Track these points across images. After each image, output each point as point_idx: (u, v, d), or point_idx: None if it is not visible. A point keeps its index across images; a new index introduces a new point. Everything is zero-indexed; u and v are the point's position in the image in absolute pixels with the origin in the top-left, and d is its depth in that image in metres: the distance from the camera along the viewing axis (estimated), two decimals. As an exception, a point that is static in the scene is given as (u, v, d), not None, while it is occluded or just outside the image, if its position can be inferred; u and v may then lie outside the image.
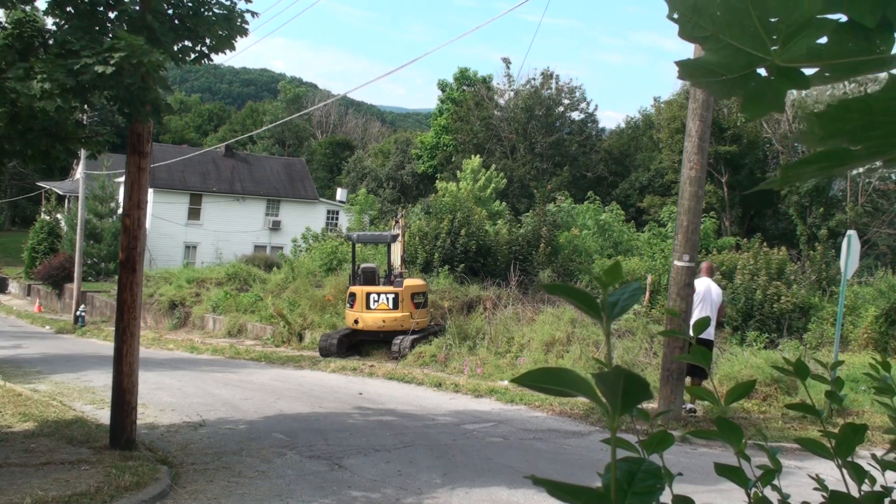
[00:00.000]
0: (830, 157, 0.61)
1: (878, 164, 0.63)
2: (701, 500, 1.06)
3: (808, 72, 0.72)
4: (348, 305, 15.61)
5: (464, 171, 31.24)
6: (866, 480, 1.14)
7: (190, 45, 8.02)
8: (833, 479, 1.21)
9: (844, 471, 1.15)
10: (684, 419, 9.95)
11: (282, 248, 36.48)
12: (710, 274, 10.74)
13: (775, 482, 1.21)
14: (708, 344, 9.86)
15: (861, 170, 29.90)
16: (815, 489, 1.19)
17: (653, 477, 0.76)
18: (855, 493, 1.09)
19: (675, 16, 0.74)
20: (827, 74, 0.70)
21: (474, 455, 8.04)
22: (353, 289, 15.56)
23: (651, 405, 9.50)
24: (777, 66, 0.70)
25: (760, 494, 1.15)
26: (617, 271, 0.74)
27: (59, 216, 38.13)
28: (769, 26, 0.68)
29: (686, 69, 0.77)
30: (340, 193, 42.01)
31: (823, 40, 0.67)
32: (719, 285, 11.51)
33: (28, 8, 7.50)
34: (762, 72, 0.74)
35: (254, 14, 8.15)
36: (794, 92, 31.63)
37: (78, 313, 25.80)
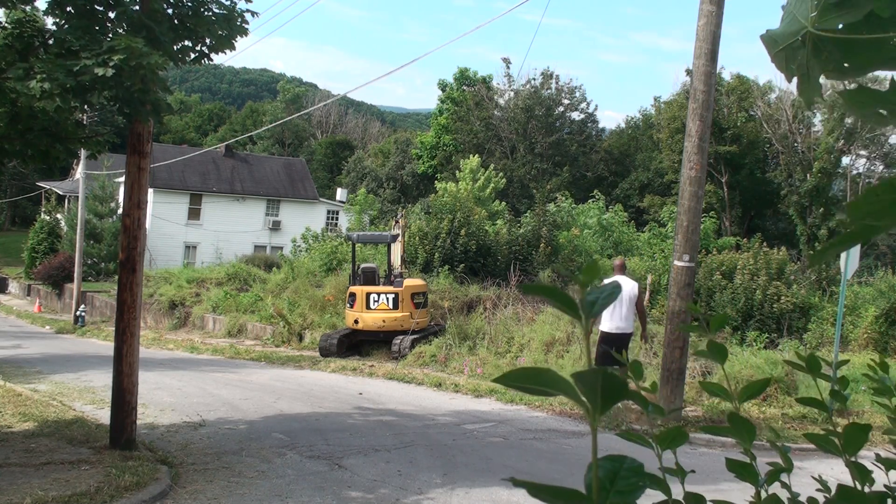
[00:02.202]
0: (856, 236, 0.69)
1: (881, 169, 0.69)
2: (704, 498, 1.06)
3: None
4: (348, 305, 15.61)
5: (462, 171, 31.24)
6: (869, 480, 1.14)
7: (190, 45, 8.02)
8: (834, 480, 1.21)
9: (838, 473, 1.15)
10: (686, 419, 9.95)
11: (282, 248, 36.48)
12: (622, 271, 10.87)
13: (785, 481, 1.21)
14: (624, 338, 10.21)
15: (862, 165, 29.99)
16: (818, 490, 1.19)
17: (635, 475, 0.77)
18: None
19: (783, 3, 0.85)
20: (846, 65, 0.75)
21: (474, 455, 8.04)
22: (353, 289, 15.56)
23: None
24: (811, 35, 0.78)
25: (767, 493, 1.15)
26: (595, 270, 0.75)
27: (59, 216, 38.13)
28: None
29: (763, 41, 0.87)
30: (340, 193, 42.01)
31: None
32: (635, 279, 11.94)
33: (28, 8, 7.50)
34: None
35: (254, 14, 8.14)
36: (796, 92, 31.71)
37: (78, 313, 25.81)
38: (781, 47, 0.83)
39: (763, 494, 1.14)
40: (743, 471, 1.11)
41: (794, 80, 0.85)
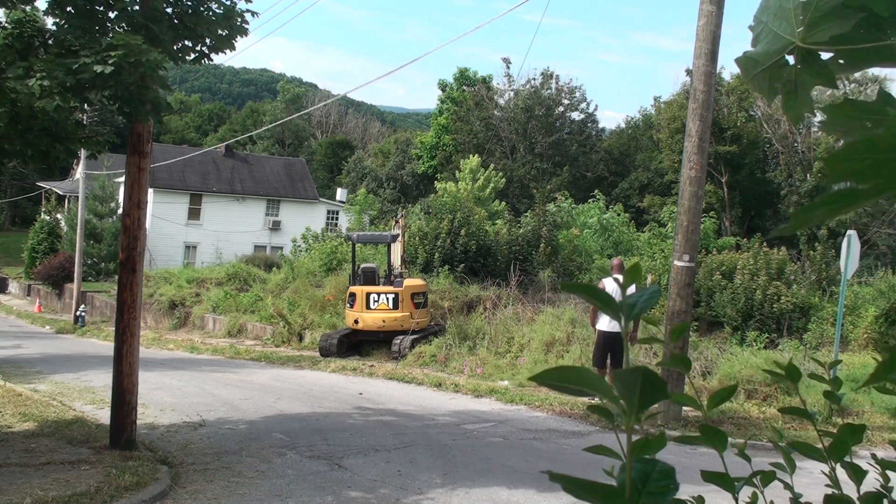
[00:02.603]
0: (840, 199, 0.64)
1: (887, 202, 0.66)
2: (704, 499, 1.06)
3: (825, 56, 0.78)
4: (348, 305, 15.60)
5: (462, 171, 31.23)
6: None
7: (190, 44, 8.02)
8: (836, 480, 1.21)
9: (838, 473, 1.15)
10: (685, 419, 9.95)
11: (282, 248, 36.48)
12: (621, 271, 10.96)
13: (788, 481, 1.21)
14: (621, 338, 10.12)
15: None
16: (827, 485, 1.19)
17: (667, 478, 0.77)
18: (854, 493, 1.09)
19: (752, 24, 0.83)
20: (841, 62, 0.74)
21: (474, 455, 8.04)
22: (353, 289, 15.56)
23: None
24: (800, 50, 0.76)
25: (761, 496, 1.15)
26: (637, 273, 0.75)
27: (59, 216, 38.13)
28: (801, 7, 0.74)
29: (740, 64, 0.84)
30: (340, 193, 42.01)
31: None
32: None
33: (28, 8, 7.50)
34: (791, 60, 0.80)
35: (254, 14, 8.14)
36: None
37: (78, 313, 25.81)
38: (764, 67, 0.81)
39: (760, 497, 1.14)
40: (718, 480, 1.11)
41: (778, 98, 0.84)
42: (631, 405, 0.70)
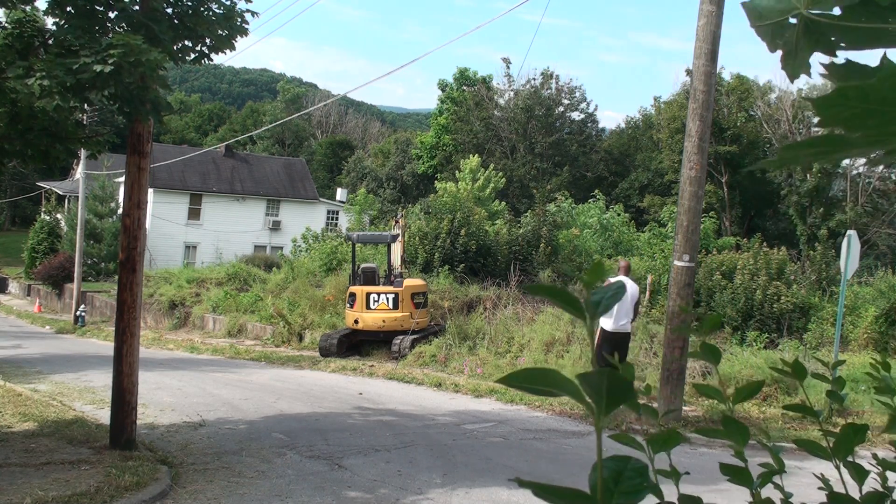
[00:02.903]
0: (828, 143, 0.62)
1: (880, 156, 0.65)
2: (701, 500, 1.06)
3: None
4: (348, 305, 15.60)
5: (462, 171, 31.24)
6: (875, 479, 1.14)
7: (190, 44, 8.02)
8: (835, 479, 1.21)
9: (843, 471, 1.15)
10: (686, 419, 9.95)
11: (282, 248, 36.48)
12: (627, 273, 11.24)
13: (778, 482, 1.21)
14: (625, 337, 10.74)
15: (862, 165, 29.90)
16: (820, 488, 1.19)
17: (639, 475, 0.76)
18: (856, 493, 1.09)
19: None
20: (843, 45, 0.73)
21: (474, 455, 8.04)
22: (353, 289, 15.56)
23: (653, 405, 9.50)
24: (804, 17, 0.75)
25: (761, 495, 1.15)
26: (599, 270, 0.74)
27: (59, 216, 38.14)
28: None
29: (747, 9, 0.83)
30: (340, 193, 42.01)
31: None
32: (634, 280, 12.80)
33: (28, 8, 7.50)
34: (793, 22, 0.79)
35: (254, 14, 8.14)
36: (795, 92, 31.49)
37: (78, 313, 25.81)
38: (767, 23, 0.81)
39: (763, 495, 1.14)
40: (737, 474, 1.11)
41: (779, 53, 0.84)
42: (599, 405, 0.70)
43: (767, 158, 0.77)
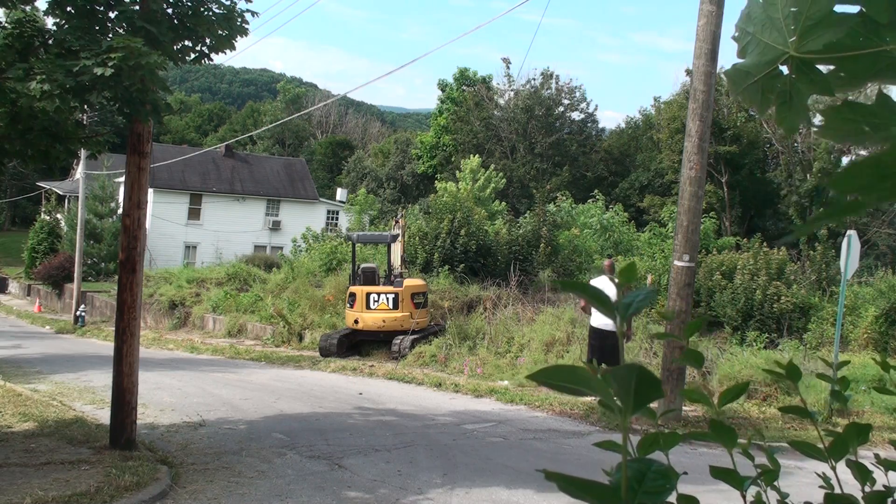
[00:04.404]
0: (844, 210, 0.66)
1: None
2: (701, 500, 1.06)
3: (825, 71, 0.77)
4: (348, 305, 15.61)
5: (462, 171, 31.24)
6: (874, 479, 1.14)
7: (190, 44, 8.02)
8: (836, 480, 1.21)
9: (838, 473, 1.15)
10: (685, 419, 9.95)
11: (282, 248, 36.47)
12: (612, 271, 11.23)
13: (773, 483, 1.21)
14: (611, 335, 10.64)
15: None
16: (821, 486, 1.19)
17: (663, 477, 0.77)
18: (858, 493, 1.09)
19: (736, 34, 0.82)
20: (842, 75, 0.74)
21: (474, 455, 8.03)
22: (353, 289, 15.56)
23: (652, 405, 9.51)
24: (795, 60, 0.75)
25: (764, 495, 1.15)
26: (632, 271, 0.75)
27: (59, 216, 38.14)
28: (792, 17, 0.74)
29: (730, 77, 0.84)
30: (340, 193, 42.00)
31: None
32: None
33: (28, 8, 7.50)
34: (785, 70, 0.79)
35: (254, 14, 8.14)
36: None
37: (78, 313, 25.81)
38: (756, 79, 0.81)
39: (763, 496, 1.14)
40: (727, 476, 1.11)
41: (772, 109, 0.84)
42: (626, 403, 0.70)
43: (786, 237, 0.79)
